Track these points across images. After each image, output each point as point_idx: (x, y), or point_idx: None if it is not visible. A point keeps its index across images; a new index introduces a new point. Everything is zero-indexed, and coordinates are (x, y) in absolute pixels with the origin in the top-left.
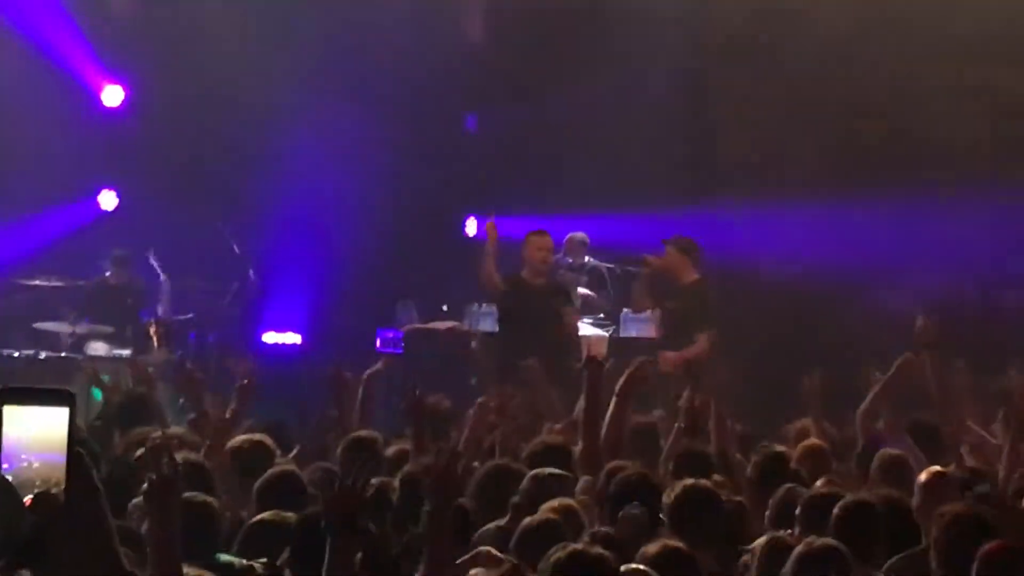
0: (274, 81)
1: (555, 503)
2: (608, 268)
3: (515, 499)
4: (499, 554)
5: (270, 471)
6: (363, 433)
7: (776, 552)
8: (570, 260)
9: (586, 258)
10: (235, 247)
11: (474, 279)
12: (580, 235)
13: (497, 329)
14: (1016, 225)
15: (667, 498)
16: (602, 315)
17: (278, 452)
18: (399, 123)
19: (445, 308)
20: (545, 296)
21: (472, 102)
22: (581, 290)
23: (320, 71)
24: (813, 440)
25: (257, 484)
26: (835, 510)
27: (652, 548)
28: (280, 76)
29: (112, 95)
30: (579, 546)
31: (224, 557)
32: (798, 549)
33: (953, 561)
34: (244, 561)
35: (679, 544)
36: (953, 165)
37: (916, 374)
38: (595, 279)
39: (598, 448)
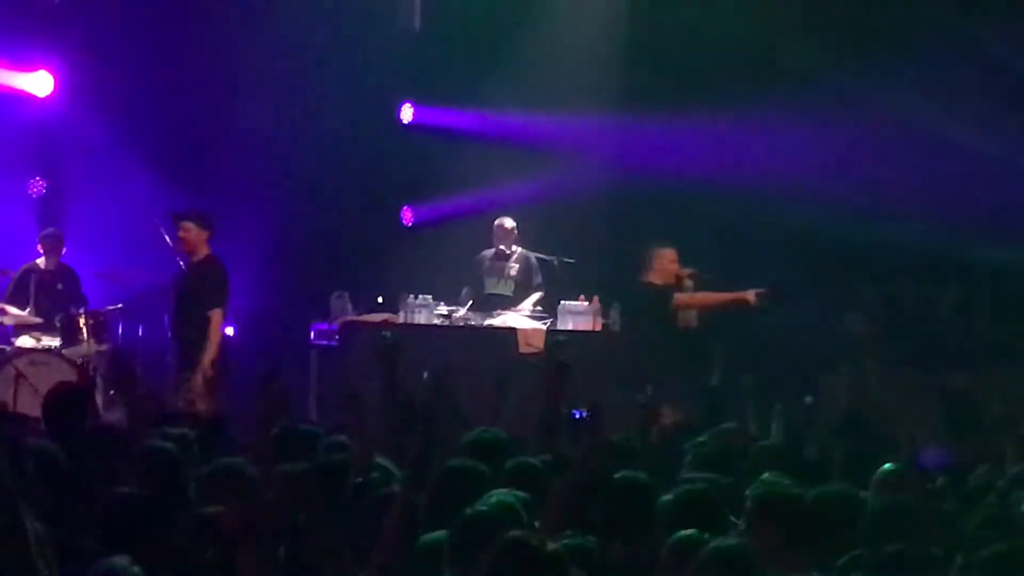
0: (209, 69)
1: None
2: (538, 257)
3: None
4: None
5: None
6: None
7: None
8: (502, 247)
9: (513, 246)
10: (167, 237)
11: (410, 269)
12: (509, 221)
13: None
14: None
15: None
16: (539, 308)
17: None
18: (334, 113)
19: (380, 300)
20: None
21: (408, 91)
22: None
23: (255, 59)
24: None
25: None
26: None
27: None
28: (216, 65)
29: (42, 83)
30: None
31: None
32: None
33: None
34: None
35: None
36: None
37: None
38: (523, 267)
39: None
